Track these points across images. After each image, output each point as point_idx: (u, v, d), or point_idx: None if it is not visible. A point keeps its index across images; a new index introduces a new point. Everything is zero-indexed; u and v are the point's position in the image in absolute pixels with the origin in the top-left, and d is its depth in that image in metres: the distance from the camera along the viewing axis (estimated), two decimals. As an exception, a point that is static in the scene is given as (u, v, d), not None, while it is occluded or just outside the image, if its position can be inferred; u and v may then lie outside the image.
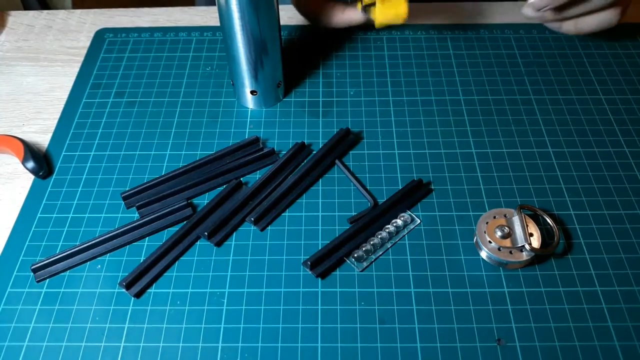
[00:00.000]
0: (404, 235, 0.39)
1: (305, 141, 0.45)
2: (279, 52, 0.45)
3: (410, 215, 0.40)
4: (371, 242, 0.38)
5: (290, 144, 0.45)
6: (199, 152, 0.45)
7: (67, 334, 0.35)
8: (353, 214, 0.41)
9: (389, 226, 0.39)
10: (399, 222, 0.39)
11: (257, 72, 0.45)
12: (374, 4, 0.48)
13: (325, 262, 0.37)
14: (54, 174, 0.44)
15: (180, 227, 0.40)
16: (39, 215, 0.41)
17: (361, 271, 0.37)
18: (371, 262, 0.38)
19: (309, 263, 0.37)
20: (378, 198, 0.41)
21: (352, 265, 0.37)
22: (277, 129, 0.47)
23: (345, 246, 0.38)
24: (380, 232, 0.39)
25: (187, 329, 0.35)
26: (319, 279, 0.37)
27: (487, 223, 0.39)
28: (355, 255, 0.38)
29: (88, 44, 0.56)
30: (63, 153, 0.45)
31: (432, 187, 0.42)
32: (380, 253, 0.38)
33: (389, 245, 0.39)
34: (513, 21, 0.56)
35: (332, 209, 0.41)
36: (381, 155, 0.44)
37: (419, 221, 0.40)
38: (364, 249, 0.38)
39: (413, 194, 0.41)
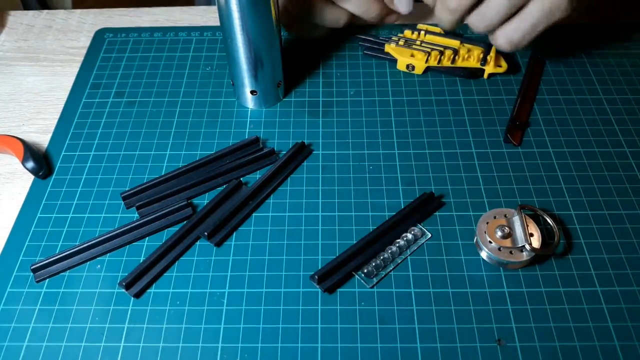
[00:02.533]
0: (415, 250, 0.38)
1: (305, 141, 0.45)
2: (279, 52, 0.45)
3: (421, 229, 0.39)
4: (381, 257, 0.38)
5: (290, 144, 0.45)
6: (199, 152, 0.45)
7: (66, 334, 0.35)
8: (354, 213, 0.41)
9: (399, 240, 0.38)
10: (409, 235, 0.39)
11: (257, 72, 0.45)
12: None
13: (333, 277, 0.37)
14: (54, 174, 0.44)
15: (180, 227, 0.40)
16: (38, 215, 0.41)
17: (371, 287, 0.37)
18: (381, 279, 0.37)
19: (316, 277, 0.36)
20: (377, 198, 0.41)
21: (362, 282, 0.37)
22: (277, 129, 0.47)
23: (354, 260, 0.37)
24: (391, 246, 0.38)
25: (187, 329, 0.35)
26: (319, 279, 0.37)
27: (487, 223, 0.39)
28: (365, 270, 0.37)
29: (88, 43, 0.56)
30: (63, 153, 0.45)
31: (433, 188, 0.42)
32: (391, 269, 0.38)
33: (399, 260, 0.38)
34: (513, 21, 0.56)
35: (332, 209, 0.41)
36: (381, 156, 0.44)
37: (430, 235, 0.39)
38: (373, 264, 0.37)
39: (424, 207, 0.40)
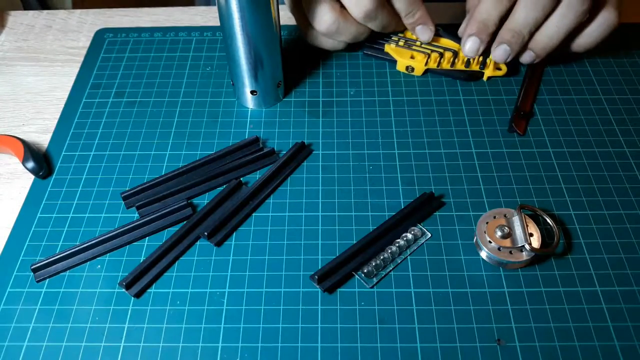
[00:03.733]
0: (415, 250, 0.38)
1: (305, 141, 0.45)
2: (279, 52, 0.45)
3: (420, 229, 0.39)
4: (381, 257, 0.38)
5: (290, 144, 0.45)
6: (199, 152, 0.45)
7: (67, 334, 0.35)
8: (354, 213, 0.41)
9: (399, 240, 0.38)
10: (409, 235, 0.39)
11: (257, 72, 0.45)
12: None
13: (333, 277, 0.37)
14: (54, 174, 0.44)
15: (180, 227, 0.40)
16: (39, 215, 0.41)
17: (371, 287, 0.37)
18: (381, 279, 0.37)
19: (316, 277, 0.36)
20: (377, 198, 0.41)
21: (362, 282, 0.37)
22: (277, 129, 0.47)
23: (354, 260, 0.37)
24: (391, 246, 0.38)
25: (187, 329, 0.35)
26: (319, 279, 0.37)
27: (487, 223, 0.39)
28: (365, 270, 0.37)
29: (88, 44, 0.56)
30: (63, 153, 0.45)
31: (433, 188, 0.42)
32: (391, 268, 0.38)
33: (399, 260, 0.38)
34: (513, 21, 0.56)
35: (332, 209, 0.41)
36: (381, 156, 0.44)
37: (429, 235, 0.39)
38: (373, 264, 0.37)
39: (424, 207, 0.40)
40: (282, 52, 0.46)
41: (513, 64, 0.50)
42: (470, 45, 0.46)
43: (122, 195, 0.42)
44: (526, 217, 0.38)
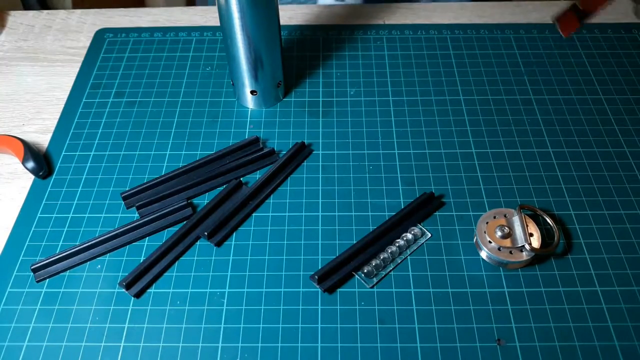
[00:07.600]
0: (415, 250, 0.38)
1: (305, 141, 0.45)
2: (279, 52, 0.45)
3: (421, 229, 0.39)
4: (381, 257, 0.38)
5: (290, 144, 0.45)
6: (199, 152, 0.45)
7: (67, 334, 0.35)
8: (354, 213, 0.41)
9: (399, 240, 0.39)
10: (409, 235, 0.39)
11: (257, 72, 0.45)
12: None
13: (333, 277, 0.37)
14: (54, 174, 0.44)
15: (180, 227, 0.40)
16: (39, 215, 0.41)
17: (371, 287, 0.37)
18: (381, 279, 0.37)
19: (316, 277, 0.36)
20: (377, 198, 0.41)
21: (362, 282, 0.37)
22: (277, 129, 0.47)
23: (354, 260, 0.37)
24: (390, 246, 0.38)
25: (187, 329, 0.35)
26: (319, 279, 0.37)
27: (487, 223, 0.39)
28: (365, 270, 0.37)
29: (88, 44, 0.56)
30: (63, 153, 0.45)
31: (433, 188, 0.42)
32: (391, 268, 0.38)
33: (399, 260, 0.38)
34: (513, 21, 0.56)
35: (332, 209, 0.41)
36: (381, 156, 0.44)
37: (429, 235, 0.39)
38: (373, 264, 0.37)
39: (424, 207, 0.41)
40: (282, 52, 0.46)
41: None
42: None
43: (122, 195, 0.42)
44: (526, 217, 0.38)
